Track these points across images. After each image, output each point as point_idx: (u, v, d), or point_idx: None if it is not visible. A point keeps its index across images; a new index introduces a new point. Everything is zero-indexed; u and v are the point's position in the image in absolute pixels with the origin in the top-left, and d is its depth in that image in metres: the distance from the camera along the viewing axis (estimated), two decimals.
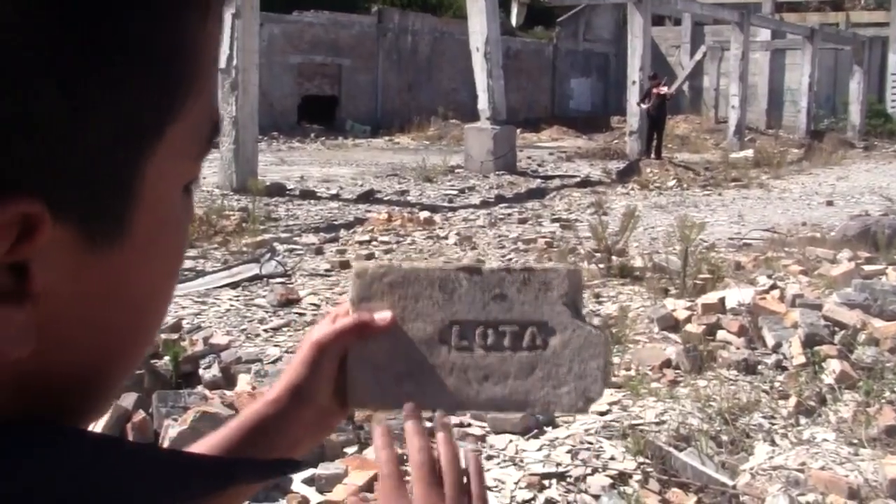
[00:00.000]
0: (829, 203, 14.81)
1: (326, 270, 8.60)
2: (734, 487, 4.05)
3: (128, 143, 0.41)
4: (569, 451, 4.33)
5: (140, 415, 4.26)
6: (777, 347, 5.87)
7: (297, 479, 3.90)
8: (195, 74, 0.43)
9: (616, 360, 5.79)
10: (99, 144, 0.40)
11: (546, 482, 4.00)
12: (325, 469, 3.96)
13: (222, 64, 13.03)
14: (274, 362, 5.56)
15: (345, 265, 8.67)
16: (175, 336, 5.56)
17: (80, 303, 0.43)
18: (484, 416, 4.73)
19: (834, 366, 5.37)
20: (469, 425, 4.66)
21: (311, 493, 3.83)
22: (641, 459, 4.25)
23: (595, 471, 4.12)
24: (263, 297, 7.40)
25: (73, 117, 0.38)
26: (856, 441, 4.56)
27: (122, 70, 0.39)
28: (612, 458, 4.28)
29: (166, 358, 5.13)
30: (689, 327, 6.32)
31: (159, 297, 0.48)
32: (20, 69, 0.37)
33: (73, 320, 0.43)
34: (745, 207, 14.28)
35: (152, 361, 5.03)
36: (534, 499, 3.88)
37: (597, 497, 3.89)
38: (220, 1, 0.45)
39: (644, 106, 21.42)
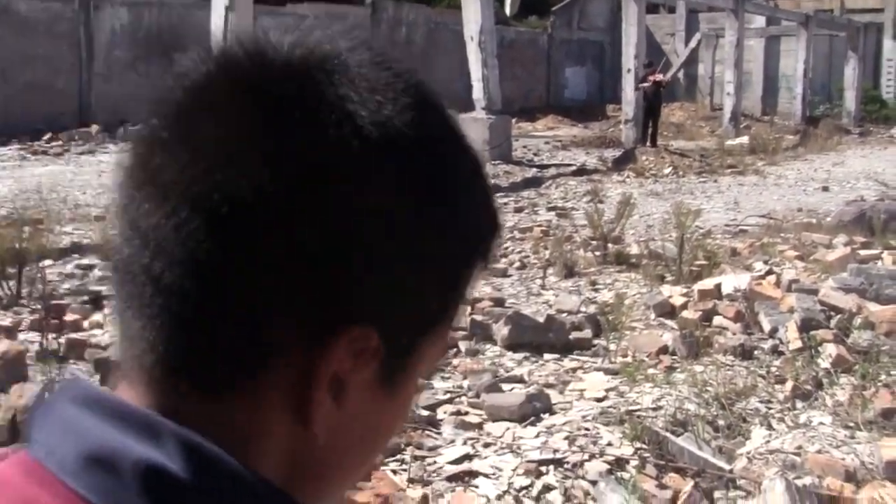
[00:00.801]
0: (825, 189, 14.81)
1: None
2: (731, 471, 4.07)
3: (425, 321, 0.56)
4: (566, 438, 4.34)
5: None
6: (773, 332, 5.88)
7: None
8: (458, 302, 0.58)
9: (613, 346, 5.80)
10: (416, 313, 0.55)
11: (543, 469, 4.01)
12: None
13: None
14: None
15: None
16: None
17: (350, 423, 0.54)
18: (481, 403, 4.74)
19: (830, 350, 5.38)
20: (466, 413, 4.67)
21: None
22: (638, 445, 4.26)
23: (592, 457, 4.13)
24: None
25: (416, 288, 0.54)
26: (852, 424, 4.58)
27: (447, 277, 0.56)
28: (610, 444, 4.29)
29: None
30: (686, 313, 6.33)
31: (384, 445, 0.60)
32: (412, 260, 0.53)
33: (339, 436, 0.54)
34: (740, 194, 14.28)
35: None
36: (531, 485, 3.88)
37: (594, 483, 3.90)
38: (483, 265, 0.59)
39: (644, 85, 21.33)
